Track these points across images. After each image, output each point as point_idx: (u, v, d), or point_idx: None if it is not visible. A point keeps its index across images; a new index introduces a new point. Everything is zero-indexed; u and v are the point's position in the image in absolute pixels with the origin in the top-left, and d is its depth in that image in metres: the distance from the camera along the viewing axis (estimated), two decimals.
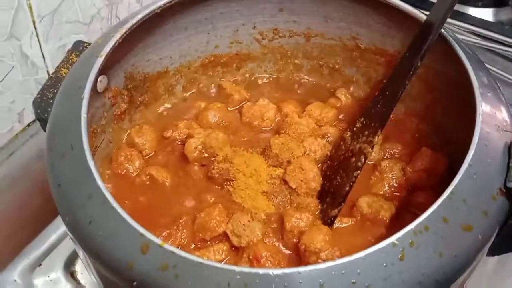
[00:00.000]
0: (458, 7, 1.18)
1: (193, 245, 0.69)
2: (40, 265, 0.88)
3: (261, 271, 0.49)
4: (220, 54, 0.87)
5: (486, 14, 1.18)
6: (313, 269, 0.49)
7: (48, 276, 0.87)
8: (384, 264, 0.50)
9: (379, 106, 0.75)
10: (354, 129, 0.77)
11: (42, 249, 0.89)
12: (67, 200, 0.57)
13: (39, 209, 1.00)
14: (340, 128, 0.83)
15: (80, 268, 0.88)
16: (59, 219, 0.91)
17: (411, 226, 0.51)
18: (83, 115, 0.61)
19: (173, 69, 0.85)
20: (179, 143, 0.80)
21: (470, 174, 0.56)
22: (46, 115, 0.68)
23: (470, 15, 1.17)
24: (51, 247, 0.89)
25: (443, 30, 0.70)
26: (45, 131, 0.66)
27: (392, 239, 0.51)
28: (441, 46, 0.70)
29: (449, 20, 1.11)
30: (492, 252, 0.61)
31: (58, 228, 0.90)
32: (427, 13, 0.72)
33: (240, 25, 0.85)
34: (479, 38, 1.12)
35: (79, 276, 0.88)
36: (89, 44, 0.75)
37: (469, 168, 0.56)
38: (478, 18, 1.16)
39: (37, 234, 0.91)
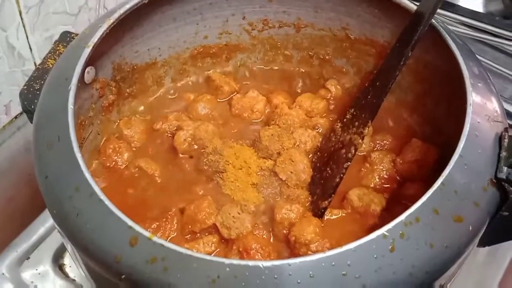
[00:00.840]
0: None
1: (183, 238, 0.69)
2: (28, 258, 0.87)
3: (251, 263, 0.49)
4: (209, 45, 0.86)
5: (476, 5, 1.18)
6: (303, 261, 0.49)
7: (36, 269, 0.86)
8: (375, 256, 0.49)
9: (369, 97, 0.74)
10: (345, 120, 0.77)
11: (30, 242, 0.88)
12: (54, 193, 0.57)
13: (27, 201, 0.99)
14: (331, 119, 0.82)
15: (68, 261, 0.88)
16: (47, 212, 0.91)
17: (402, 217, 0.51)
18: (70, 106, 0.60)
19: (161, 60, 0.84)
20: (169, 135, 0.80)
21: (461, 165, 0.55)
22: (33, 106, 0.67)
23: (460, 6, 1.17)
24: (39, 240, 0.89)
25: (433, 21, 0.69)
26: (32, 122, 0.65)
27: (382, 230, 0.50)
28: (431, 37, 0.69)
29: (439, 11, 1.10)
30: (483, 243, 0.61)
31: (46, 221, 0.90)
32: (417, 3, 0.71)
33: (229, 15, 0.84)
34: (469, 29, 1.12)
35: (67, 269, 0.87)
36: (77, 35, 0.74)
37: (460, 159, 0.55)
38: (468, 9, 1.16)
39: (25, 227, 0.91)
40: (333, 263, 0.49)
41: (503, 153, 0.58)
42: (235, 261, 0.49)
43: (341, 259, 0.49)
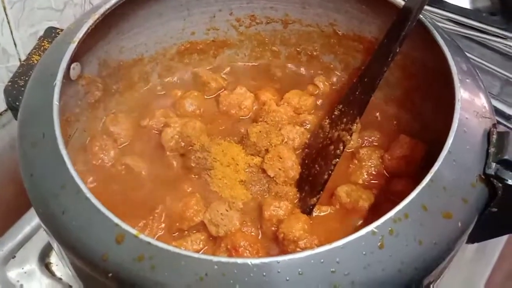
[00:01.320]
0: None
1: (170, 235, 0.68)
2: (14, 257, 0.86)
3: (239, 260, 0.48)
4: (196, 41, 0.86)
5: (463, 1, 1.18)
6: (292, 258, 0.48)
7: (23, 268, 0.86)
8: (364, 253, 0.49)
9: (357, 93, 0.74)
10: (333, 116, 0.77)
11: (16, 240, 0.87)
12: (40, 190, 0.56)
13: (12, 200, 0.98)
14: (319, 115, 0.82)
15: (55, 259, 0.87)
16: (32, 210, 0.89)
17: (391, 214, 0.51)
18: (55, 102, 0.59)
19: (148, 56, 0.83)
20: (156, 132, 0.79)
21: (450, 161, 0.55)
22: (17, 103, 0.66)
23: (447, 2, 1.16)
24: (25, 239, 0.88)
25: (422, 17, 0.69)
26: (17, 119, 0.64)
27: (371, 227, 0.50)
28: (419, 33, 0.69)
29: (426, 7, 1.10)
30: (472, 239, 0.61)
31: (32, 220, 0.89)
32: None
33: (216, 11, 0.84)
34: (456, 25, 1.12)
35: (54, 268, 0.86)
36: (62, 30, 0.73)
37: (448, 155, 0.55)
38: (455, 5, 1.16)
39: (10, 225, 0.90)
40: (322, 260, 0.48)
41: (492, 149, 0.58)
42: (223, 259, 0.48)
43: (330, 256, 0.48)
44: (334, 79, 0.87)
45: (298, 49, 0.88)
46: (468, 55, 0.69)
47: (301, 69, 0.90)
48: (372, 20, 0.78)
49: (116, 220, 0.51)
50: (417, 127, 0.78)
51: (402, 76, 0.79)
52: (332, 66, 0.87)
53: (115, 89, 0.80)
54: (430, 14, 1.12)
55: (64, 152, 0.55)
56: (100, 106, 0.78)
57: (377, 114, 0.82)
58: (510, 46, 1.08)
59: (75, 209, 0.53)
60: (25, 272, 0.85)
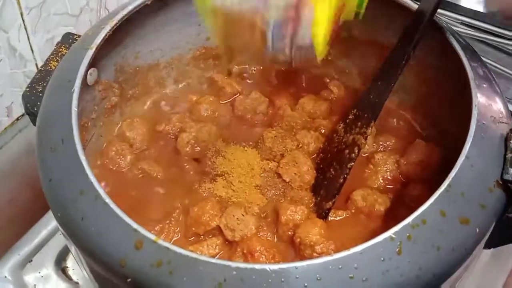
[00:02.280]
0: None
1: (186, 240, 0.68)
2: (30, 261, 0.87)
3: (257, 266, 0.48)
4: (211, 46, 0.86)
5: (477, 4, 1.18)
6: (310, 264, 0.49)
7: (39, 272, 0.86)
8: (382, 258, 0.49)
9: (371, 97, 0.74)
10: (347, 120, 0.77)
11: (33, 245, 0.88)
12: (59, 196, 0.56)
13: (28, 204, 0.99)
14: (333, 120, 0.82)
15: (71, 264, 0.87)
16: (49, 214, 0.90)
17: (409, 219, 0.51)
18: (74, 108, 0.60)
19: (164, 61, 0.83)
20: (172, 136, 0.79)
21: (467, 166, 0.55)
22: (35, 108, 0.67)
23: (462, 6, 1.16)
24: (41, 243, 0.88)
25: (437, 21, 0.69)
26: (34, 125, 0.65)
27: (389, 233, 0.50)
28: (435, 38, 0.69)
29: (440, 11, 1.11)
30: (489, 245, 0.60)
31: (48, 224, 0.90)
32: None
33: None
34: (470, 29, 1.12)
35: (70, 272, 0.87)
36: (79, 36, 0.74)
37: (466, 161, 0.55)
38: (470, 9, 1.15)
39: (26, 229, 0.90)
40: (340, 266, 0.48)
41: (509, 155, 0.58)
42: (242, 264, 0.48)
43: (348, 262, 0.49)
44: (349, 84, 0.87)
45: None
46: (483, 59, 0.69)
47: (317, 73, 0.89)
48: (387, 24, 0.78)
49: (134, 225, 0.51)
50: (433, 132, 0.77)
51: (418, 81, 0.79)
52: (347, 70, 0.87)
53: (131, 94, 0.80)
54: (444, 18, 1.12)
55: (83, 158, 0.56)
56: (117, 111, 0.78)
57: (393, 118, 0.81)
58: None
59: (94, 215, 0.53)
60: (41, 276, 0.86)
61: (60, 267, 0.87)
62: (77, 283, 0.85)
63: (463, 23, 1.12)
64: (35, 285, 0.85)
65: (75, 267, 0.86)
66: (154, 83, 0.83)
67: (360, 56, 0.85)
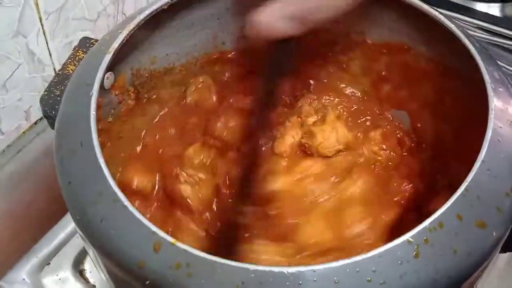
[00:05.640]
0: (465, 2, 1.18)
1: None
2: (48, 264, 0.88)
3: (275, 269, 0.49)
4: (227, 50, 0.86)
5: (493, 9, 1.18)
6: (328, 267, 0.49)
7: (57, 275, 0.87)
8: (399, 262, 0.49)
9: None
10: None
11: (51, 247, 0.89)
12: (78, 198, 0.57)
13: (46, 207, 1.00)
14: None
15: (89, 266, 0.88)
16: (66, 218, 0.91)
17: (426, 223, 0.51)
18: (92, 112, 0.60)
19: (179, 65, 0.84)
20: None
21: (484, 170, 0.55)
22: (53, 112, 0.68)
23: (477, 10, 1.16)
24: (59, 246, 0.89)
25: (452, 25, 0.69)
26: (52, 128, 0.66)
27: (407, 236, 0.50)
28: (450, 41, 0.69)
29: (455, 15, 1.11)
30: (504, 248, 0.60)
31: (66, 227, 0.90)
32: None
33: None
34: (486, 33, 1.12)
35: (88, 275, 0.87)
36: (96, 40, 0.75)
37: (482, 164, 0.55)
38: (485, 12, 1.15)
39: (43, 232, 0.91)
40: (358, 269, 0.48)
41: None
42: (260, 267, 0.49)
43: (366, 265, 0.49)
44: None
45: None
46: (498, 63, 0.69)
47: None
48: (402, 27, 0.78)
49: (153, 228, 0.52)
50: (449, 136, 0.78)
51: (432, 85, 0.79)
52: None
53: (147, 97, 0.81)
54: (459, 22, 1.12)
55: (101, 161, 0.56)
56: (133, 114, 0.79)
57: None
58: None
59: (113, 217, 0.54)
60: (59, 279, 0.86)
61: (78, 269, 0.88)
62: (94, 286, 0.86)
63: (479, 27, 1.12)
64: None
65: (93, 269, 0.87)
66: (170, 87, 0.84)
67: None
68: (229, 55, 0.87)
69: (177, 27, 0.79)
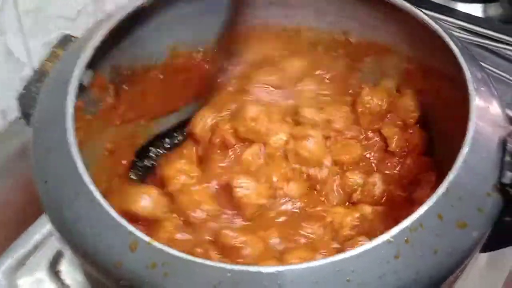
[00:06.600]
0: (446, 2, 1.19)
1: None
2: (24, 264, 0.86)
3: (252, 269, 0.48)
4: (207, 48, 0.85)
5: (475, 9, 1.18)
6: (306, 267, 0.48)
7: (33, 276, 0.85)
8: (379, 262, 0.49)
9: None
10: None
11: (26, 248, 0.87)
12: (54, 198, 0.56)
13: (23, 207, 0.98)
14: None
15: (65, 267, 0.86)
16: (43, 218, 0.90)
17: (406, 223, 0.51)
18: (70, 110, 0.59)
19: (160, 64, 0.83)
20: None
21: (465, 170, 0.55)
22: (31, 110, 0.66)
23: (459, 11, 1.17)
24: (35, 247, 0.87)
25: (435, 24, 0.68)
26: (30, 127, 0.64)
27: (387, 236, 0.50)
28: (433, 41, 0.69)
29: (438, 15, 1.11)
30: (485, 248, 0.60)
31: (42, 227, 0.88)
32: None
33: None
34: (468, 34, 1.12)
35: (64, 276, 0.86)
36: (76, 38, 0.73)
37: (464, 164, 0.55)
38: (467, 13, 1.16)
39: (19, 233, 0.89)
40: (337, 269, 0.48)
41: (507, 158, 0.57)
42: (237, 267, 0.48)
43: (345, 265, 0.48)
44: None
45: None
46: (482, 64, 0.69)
47: None
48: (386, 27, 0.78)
49: (130, 227, 0.51)
50: (430, 135, 0.77)
51: (415, 85, 0.79)
52: None
53: (128, 96, 0.80)
54: (441, 23, 1.12)
55: (78, 160, 0.55)
56: (112, 113, 0.78)
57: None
58: None
59: (89, 217, 0.53)
60: (35, 280, 0.85)
61: (54, 270, 0.86)
62: (69, 287, 0.85)
63: (461, 28, 1.13)
64: None
65: (69, 270, 0.86)
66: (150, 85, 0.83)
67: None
68: (210, 53, 0.86)
69: (157, 25, 0.78)
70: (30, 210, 0.84)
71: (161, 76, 0.82)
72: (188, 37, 0.83)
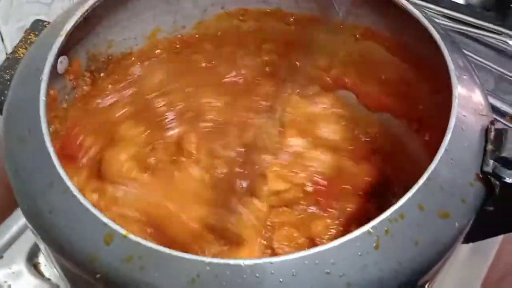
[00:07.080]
0: None
1: None
2: (1, 257, 0.85)
3: (231, 261, 0.47)
4: (187, 34, 0.84)
5: None
6: (285, 260, 0.47)
7: (10, 269, 0.84)
8: (359, 253, 0.48)
9: None
10: None
11: (3, 240, 0.86)
12: (26, 188, 0.54)
13: None
14: None
15: (43, 260, 0.85)
16: (20, 210, 0.88)
17: (387, 213, 0.50)
18: (42, 97, 0.57)
19: (137, 50, 0.81)
20: None
21: (447, 159, 0.54)
22: (2, 97, 0.65)
23: None
24: (12, 239, 0.86)
25: (417, 12, 0.67)
26: (0, 114, 0.63)
27: (367, 227, 0.49)
28: (415, 28, 0.68)
29: (420, 2, 1.10)
30: (467, 239, 0.59)
31: (19, 219, 0.87)
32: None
33: (208, 5, 0.82)
34: (450, 21, 1.12)
35: (42, 268, 0.85)
36: (49, 23, 0.72)
37: (445, 153, 0.54)
38: (449, 0, 1.15)
39: None
40: (317, 261, 0.47)
41: (489, 147, 0.57)
42: (215, 260, 0.47)
43: (324, 257, 0.47)
44: None
45: None
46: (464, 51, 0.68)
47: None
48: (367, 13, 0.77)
49: (104, 219, 0.49)
50: (414, 125, 0.77)
51: (396, 72, 0.78)
52: None
53: (104, 83, 0.78)
54: (424, 10, 1.12)
55: (51, 149, 0.54)
56: (88, 101, 0.76)
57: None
58: (504, 41, 1.07)
59: (62, 208, 0.51)
60: (13, 272, 0.84)
61: (32, 263, 0.85)
62: (49, 279, 0.83)
63: (443, 15, 1.12)
64: (6, 281, 0.83)
65: (48, 263, 0.84)
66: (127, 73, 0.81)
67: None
68: (189, 40, 0.84)
69: (135, 10, 0.77)
70: (6, 202, 0.82)
71: (139, 64, 0.80)
72: (169, 23, 0.82)
